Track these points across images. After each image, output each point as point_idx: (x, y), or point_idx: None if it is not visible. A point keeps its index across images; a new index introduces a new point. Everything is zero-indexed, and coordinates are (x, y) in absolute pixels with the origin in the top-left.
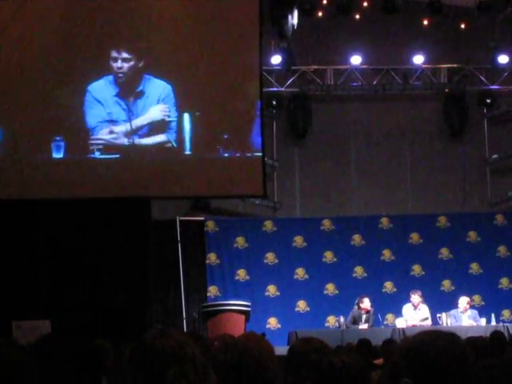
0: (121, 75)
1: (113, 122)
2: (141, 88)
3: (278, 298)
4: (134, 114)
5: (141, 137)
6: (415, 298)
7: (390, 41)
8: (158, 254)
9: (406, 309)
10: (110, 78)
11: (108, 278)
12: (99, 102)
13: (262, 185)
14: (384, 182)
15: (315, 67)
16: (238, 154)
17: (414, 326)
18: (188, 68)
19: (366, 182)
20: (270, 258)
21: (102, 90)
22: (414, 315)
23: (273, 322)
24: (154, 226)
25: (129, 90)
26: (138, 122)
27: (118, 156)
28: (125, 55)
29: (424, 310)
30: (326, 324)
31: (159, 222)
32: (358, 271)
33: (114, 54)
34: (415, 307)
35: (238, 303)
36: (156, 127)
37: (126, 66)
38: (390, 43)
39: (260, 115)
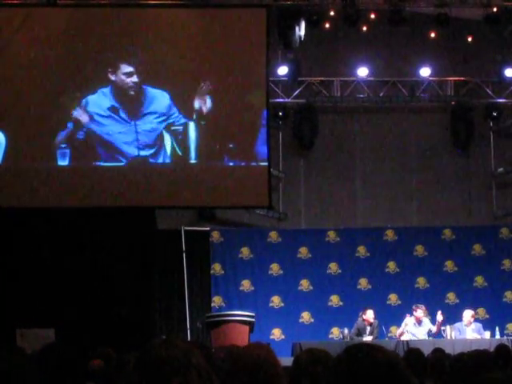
0: (126, 86)
1: (118, 130)
2: (145, 98)
3: (283, 309)
4: (138, 122)
5: (146, 145)
6: (419, 312)
7: (397, 53)
8: (162, 263)
9: (409, 322)
10: (114, 88)
11: (112, 287)
12: (104, 110)
13: (267, 195)
14: (389, 194)
15: (322, 79)
16: (243, 164)
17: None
18: (195, 78)
19: (371, 193)
20: (275, 268)
21: (107, 99)
22: (416, 330)
23: (277, 333)
24: (158, 236)
25: (134, 100)
26: (143, 130)
27: (122, 164)
28: (127, 67)
29: (426, 325)
30: (330, 336)
31: (164, 231)
32: (363, 283)
33: (120, 64)
34: (418, 323)
35: (242, 314)
36: (161, 136)
37: (129, 77)
38: (397, 55)
39: (266, 125)
